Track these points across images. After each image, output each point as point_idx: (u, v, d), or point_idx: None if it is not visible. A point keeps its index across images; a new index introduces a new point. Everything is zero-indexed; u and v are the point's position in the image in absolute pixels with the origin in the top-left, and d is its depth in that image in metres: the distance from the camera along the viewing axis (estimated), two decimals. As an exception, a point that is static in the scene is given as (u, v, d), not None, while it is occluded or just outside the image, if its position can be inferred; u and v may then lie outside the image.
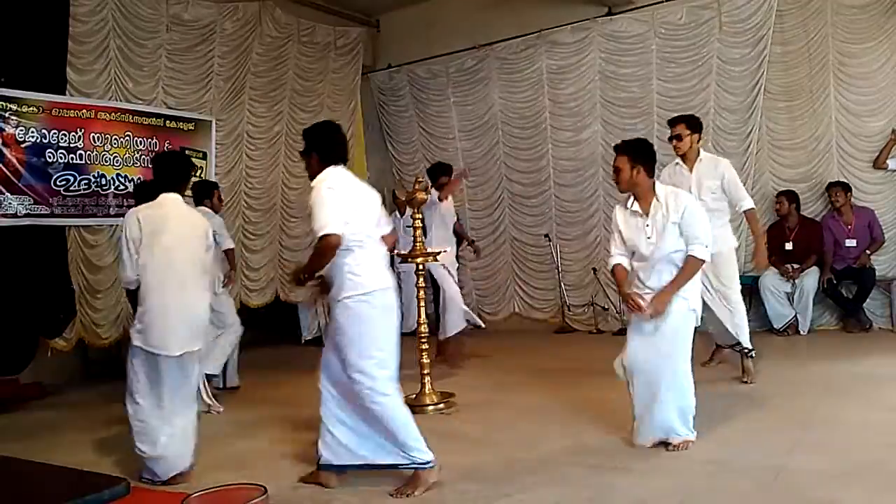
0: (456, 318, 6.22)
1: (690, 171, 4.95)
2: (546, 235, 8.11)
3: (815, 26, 6.86)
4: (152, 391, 3.70)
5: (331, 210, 3.27)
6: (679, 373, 3.67)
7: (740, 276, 6.95)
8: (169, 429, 3.68)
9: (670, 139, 5.02)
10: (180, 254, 3.73)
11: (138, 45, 6.52)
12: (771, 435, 3.79)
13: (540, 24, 8.01)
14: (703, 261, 3.68)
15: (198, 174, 6.90)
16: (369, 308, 3.31)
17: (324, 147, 3.53)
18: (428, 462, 3.34)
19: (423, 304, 5.22)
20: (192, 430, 3.78)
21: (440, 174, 6.38)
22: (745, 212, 4.98)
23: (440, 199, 6.16)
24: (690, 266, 3.65)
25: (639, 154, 3.89)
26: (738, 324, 4.98)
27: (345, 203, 3.34)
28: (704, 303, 4.76)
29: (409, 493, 3.30)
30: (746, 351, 5.00)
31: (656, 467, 3.46)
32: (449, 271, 6.25)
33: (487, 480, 3.43)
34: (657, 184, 3.90)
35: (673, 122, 5.06)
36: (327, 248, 3.23)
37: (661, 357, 3.65)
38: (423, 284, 5.26)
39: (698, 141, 5.02)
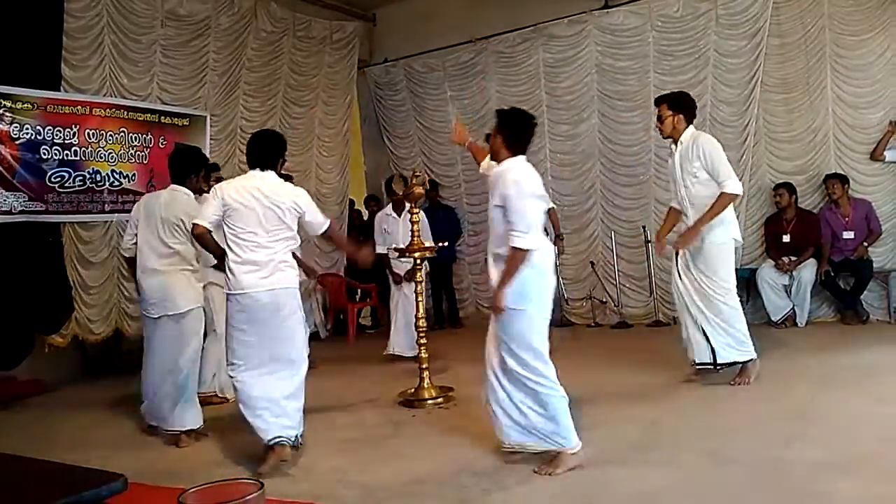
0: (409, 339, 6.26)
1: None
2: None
3: (812, 18, 6.85)
4: None
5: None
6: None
7: (737, 269, 7.03)
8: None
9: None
10: None
11: (133, 40, 6.50)
12: (768, 427, 3.80)
13: (536, 17, 8.00)
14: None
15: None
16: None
17: None
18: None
19: (421, 298, 5.23)
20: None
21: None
22: (723, 193, 4.44)
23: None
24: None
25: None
26: (730, 332, 4.60)
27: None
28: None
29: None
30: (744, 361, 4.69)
31: (654, 460, 3.47)
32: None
33: (486, 474, 3.44)
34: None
35: (657, 103, 4.82)
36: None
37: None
38: (421, 279, 5.26)
39: (686, 122, 4.66)
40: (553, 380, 3.40)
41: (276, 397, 3.73)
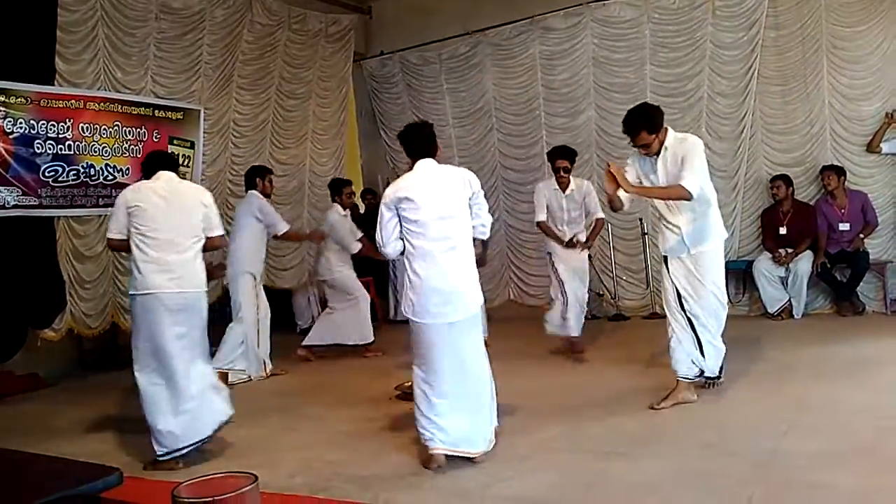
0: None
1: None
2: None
3: (809, 10, 6.83)
4: None
5: None
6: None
7: (733, 261, 7.05)
8: None
9: None
10: None
11: (127, 34, 6.45)
12: (765, 418, 3.80)
13: (532, 9, 7.97)
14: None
15: (186, 164, 6.88)
16: None
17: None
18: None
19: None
20: None
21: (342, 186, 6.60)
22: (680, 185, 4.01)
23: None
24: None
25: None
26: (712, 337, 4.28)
27: None
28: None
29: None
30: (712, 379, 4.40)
31: (653, 452, 3.47)
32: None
33: (484, 466, 3.44)
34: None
35: (631, 133, 4.22)
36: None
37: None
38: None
39: (665, 129, 4.18)
40: None
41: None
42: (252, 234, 5.90)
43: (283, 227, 5.99)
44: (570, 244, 5.80)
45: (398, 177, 3.81)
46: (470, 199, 3.64)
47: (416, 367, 3.60)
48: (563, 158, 5.81)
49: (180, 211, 3.89)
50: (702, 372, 4.30)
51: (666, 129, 4.18)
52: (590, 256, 7.63)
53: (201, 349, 3.96)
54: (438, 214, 3.51)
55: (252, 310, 5.88)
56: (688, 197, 4.01)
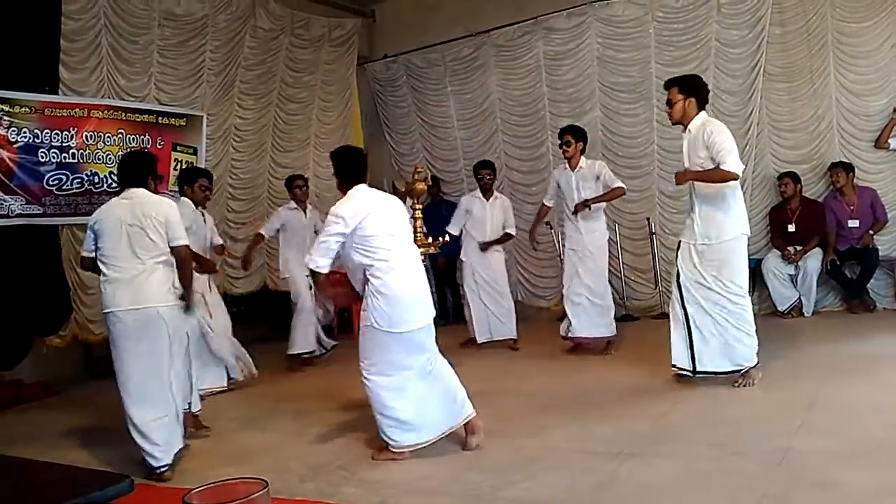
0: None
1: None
2: (548, 223, 8.08)
3: (814, 6, 6.79)
4: None
5: None
6: None
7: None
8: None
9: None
10: None
11: (130, 41, 6.47)
12: (777, 417, 3.78)
13: (536, 9, 7.95)
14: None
15: None
16: None
17: None
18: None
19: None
20: None
21: None
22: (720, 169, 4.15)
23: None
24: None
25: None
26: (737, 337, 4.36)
27: None
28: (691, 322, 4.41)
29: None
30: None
31: (663, 452, 3.45)
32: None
33: (493, 469, 3.43)
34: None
35: (666, 86, 4.52)
36: None
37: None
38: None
39: (698, 107, 4.38)
40: None
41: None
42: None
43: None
44: (577, 209, 5.81)
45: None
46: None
47: None
48: (565, 134, 5.86)
49: (140, 229, 3.84)
50: (694, 366, 4.42)
51: (699, 111, 4.37)
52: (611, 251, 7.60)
53: (170, 368, 3.87)
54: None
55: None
56: (734, 176, 4.16)
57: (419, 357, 3.75)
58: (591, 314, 5.84)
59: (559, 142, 5.93)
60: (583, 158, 5.85)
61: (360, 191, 3.92)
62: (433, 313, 3.85)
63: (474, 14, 8.33)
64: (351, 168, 3.99)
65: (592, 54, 7.76)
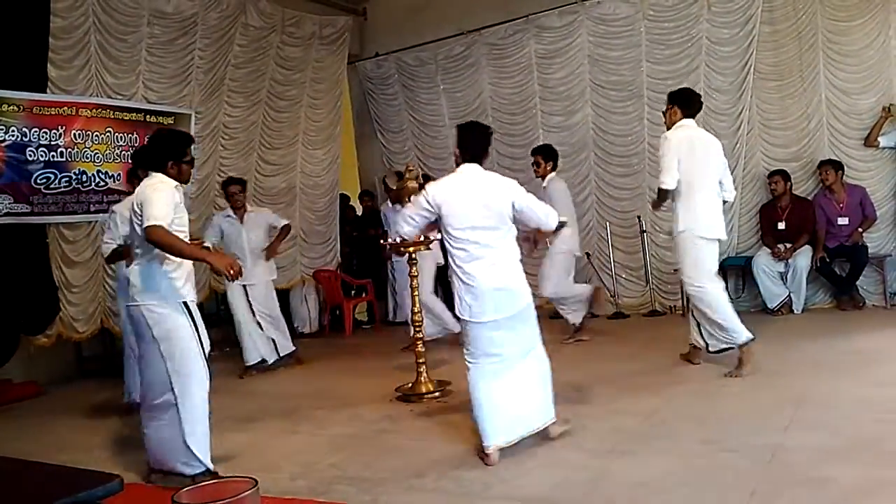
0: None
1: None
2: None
3: (804, 5, 6.82)
4: None
5: None
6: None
7: (733, 257, 7.05)
8: None
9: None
10: None
11: (119, 39, 6.43)
12: (767, 413, 3.79)
13: (527, 8, 7.96)
14: None
15: None
16: None
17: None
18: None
19: (416, 293, 5.20)
20: None
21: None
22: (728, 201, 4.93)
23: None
24: None
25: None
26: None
27: None
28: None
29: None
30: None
31: (655, 449, 3.46)
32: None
33: (485, 467, 3.43)
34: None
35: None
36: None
37: None
38: (416, 274, 5.24)
39: (681, 114, 4.77)
40: None
41: None
42: None
43: None
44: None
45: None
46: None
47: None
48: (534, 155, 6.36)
49: (130, 221, 3.62)
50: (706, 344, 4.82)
51: (681, 118, 4.77)
52: (588, 254, 7.64)
53: (154, 375, 3.50)
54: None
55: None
56: (662, 191, 4.73)
57: (503, 348, 3.62)
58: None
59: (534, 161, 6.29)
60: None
61: (462, 171, 3.72)
62: (520, 306, 3.63)
63: (466, 12, 8.33)
64: (465, 143, 3.77)
65: (584, 53, 7.78)
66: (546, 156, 6.25)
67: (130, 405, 4.93)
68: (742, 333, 4.62)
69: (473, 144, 3.78)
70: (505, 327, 3.59)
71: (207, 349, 3.56)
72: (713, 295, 4.67)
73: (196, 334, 3.50)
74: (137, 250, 3.56)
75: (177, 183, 3.57)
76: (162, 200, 3.39)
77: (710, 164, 4.68)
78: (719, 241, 4.78)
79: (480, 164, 3.75)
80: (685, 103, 4.80)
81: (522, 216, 3.69)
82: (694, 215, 4.65)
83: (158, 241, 3.33)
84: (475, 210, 3.58)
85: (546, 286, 6.08)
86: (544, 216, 3.75)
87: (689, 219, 4.65)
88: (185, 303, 3.51)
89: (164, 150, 3.62)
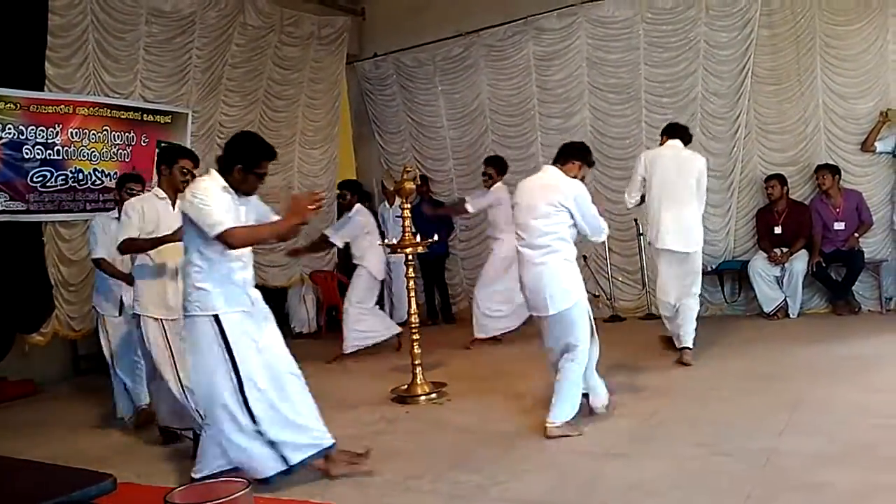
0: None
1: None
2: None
3: (802, 9, 6.83)
4: None
5: None
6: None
7: (729, 261, 7.08)
8: None
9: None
10: None
11: (117, 37, 6.41)
12: (762, 418, 3.80)
13: (526, 10, 7.96)
14: None
15: None
16: None
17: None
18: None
19: (413, 294, 5.20)
20: None
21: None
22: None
23: None
24: None
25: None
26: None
27: None
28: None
29: None
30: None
31: (649, 452, 3.46)
32: None
33: (481, 469, 3.42)
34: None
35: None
36: None
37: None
38: (413, 275, 5.24)
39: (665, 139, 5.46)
40: None
41: None
42: None
43: None
44: None
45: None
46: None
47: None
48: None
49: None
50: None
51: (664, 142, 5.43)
52: (585, 257, 7.65)
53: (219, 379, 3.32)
54: None
55: None
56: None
57: (553, 345, 4.05)
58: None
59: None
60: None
61: (540, 172, 4.20)
62: (556, 307, 3.92)
63: (465, 13, 8.33)
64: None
65: (582, 55, 7.78)
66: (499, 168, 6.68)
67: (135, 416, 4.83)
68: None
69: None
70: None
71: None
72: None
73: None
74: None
75: (225, 184, 3.34)
76: (207, 203, 3.18)
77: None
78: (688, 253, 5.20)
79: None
80: (669, 133, 5.48)
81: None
82: (651, 224, 5.37)
83: (241, 244, 3.23)
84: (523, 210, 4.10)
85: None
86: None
87: (648, 227, 5.47)
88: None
89: (238, 153, 3.46)
